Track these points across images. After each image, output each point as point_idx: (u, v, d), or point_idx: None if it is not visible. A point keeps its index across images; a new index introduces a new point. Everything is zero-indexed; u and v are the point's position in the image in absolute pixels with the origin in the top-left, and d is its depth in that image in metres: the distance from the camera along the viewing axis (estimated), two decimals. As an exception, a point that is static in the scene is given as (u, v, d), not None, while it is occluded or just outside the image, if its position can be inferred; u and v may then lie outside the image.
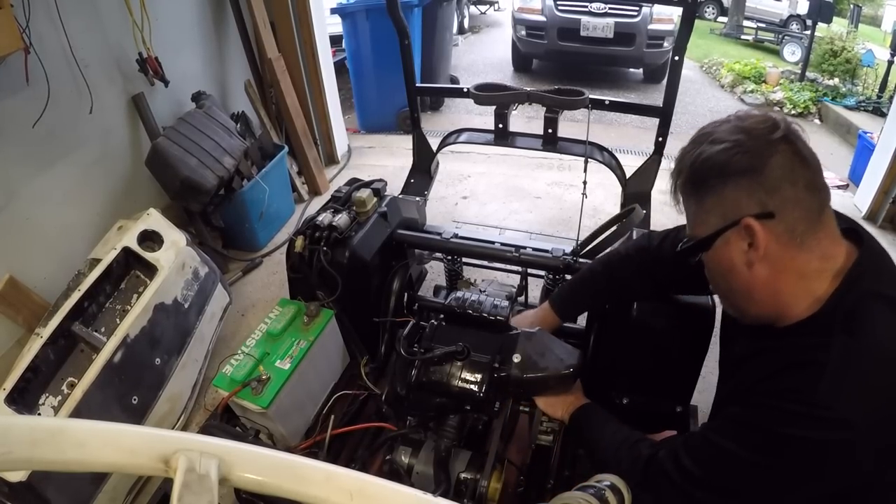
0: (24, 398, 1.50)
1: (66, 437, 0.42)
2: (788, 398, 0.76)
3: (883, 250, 0.86)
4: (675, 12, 5.41)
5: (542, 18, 5.92)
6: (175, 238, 1.86)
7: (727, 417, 0.85)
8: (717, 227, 0.83)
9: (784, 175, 0.78)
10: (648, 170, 1.96)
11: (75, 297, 1.64)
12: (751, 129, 0.80)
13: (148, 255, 1.78)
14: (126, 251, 1.76)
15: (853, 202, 3.27)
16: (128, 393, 1.64)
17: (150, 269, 1.79)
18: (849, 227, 0.86)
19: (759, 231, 0.78)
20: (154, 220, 1.85)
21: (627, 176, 1.99)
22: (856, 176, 3.58)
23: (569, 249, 1.61)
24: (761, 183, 0.78)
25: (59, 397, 1.57)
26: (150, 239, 1.83)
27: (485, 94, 1.90)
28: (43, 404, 1.55)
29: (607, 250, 1.49)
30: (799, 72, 6.40)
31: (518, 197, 3.29)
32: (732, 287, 0.88)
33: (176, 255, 1.83)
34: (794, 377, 0.77)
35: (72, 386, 1.57)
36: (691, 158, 0.84)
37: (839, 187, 3.67)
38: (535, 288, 1.92)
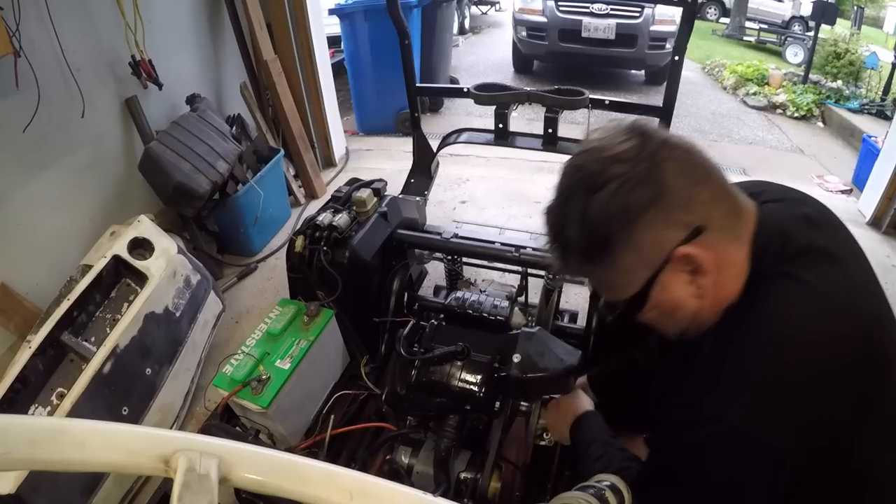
0: (13, 409, 1.48)
1: (66, 436, 0.43)
2: (673, 414, 0.75)
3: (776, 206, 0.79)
4: (678, 13, 5.36)
5: (543, 19, 5.88)
6: (166, 246, 1.83)
7: (647, 461, 0.84)
8: (646, 278, 0.72)
9: (688, 180, 0.69)
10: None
11: (64, 306, 1.62)
12: (623, 154, 0.69)
13: (138, 264, 1.75)
14: (116, 259, 1.73)
15: (857, 207, 3.23)
16: (118, 404, 1.61)
17: (141, 278, 1.76)
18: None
19: (700, 253, 0.69)
20: (145, 227, 1.82)
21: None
22: (860, 180, 3.55)
23: None
24: (673, 203, 0.68)
25: (49, 408, 1.55)
26: (141, 246, 1.80)
27: (485, 93, 1.88)
28: (32, 415, 1.52)
29: None
30: (802, 74, 6.37)
31: (518, 202, 3.25)
32: (678, 318, 0.77)
33: (167, 264, 1.80)
34: (683, 388, 0.75)
35: (61, 396, 1.55)
36: (575, 223, 0.71)
37: (843, 192, 3.63)
38: (536, 288, 1.90)
